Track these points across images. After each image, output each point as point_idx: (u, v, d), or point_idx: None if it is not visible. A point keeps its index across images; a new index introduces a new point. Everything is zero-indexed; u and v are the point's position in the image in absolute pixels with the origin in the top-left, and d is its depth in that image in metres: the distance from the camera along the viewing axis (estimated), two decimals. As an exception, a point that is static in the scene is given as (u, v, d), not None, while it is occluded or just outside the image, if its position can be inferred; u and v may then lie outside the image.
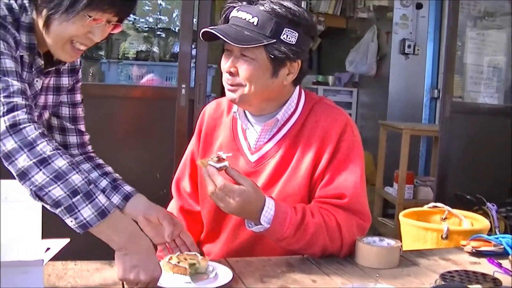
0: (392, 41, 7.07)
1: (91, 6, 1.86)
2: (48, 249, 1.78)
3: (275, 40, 2.14)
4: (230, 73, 2.20)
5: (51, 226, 1.76)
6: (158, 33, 6.94)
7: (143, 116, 4.54)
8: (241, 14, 2.16)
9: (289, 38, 2.16)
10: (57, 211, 1.68)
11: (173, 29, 6.97)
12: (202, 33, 2.21)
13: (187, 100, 4.41)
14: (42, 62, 2.06)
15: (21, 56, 1.96)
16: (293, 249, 2.16)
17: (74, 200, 1.66)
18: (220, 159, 2.01)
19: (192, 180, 2.50)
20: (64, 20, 1.88)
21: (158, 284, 1.81)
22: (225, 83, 2.25)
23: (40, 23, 1.94)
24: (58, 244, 1.80)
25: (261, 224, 2.04)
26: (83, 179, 1.69)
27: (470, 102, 6.09)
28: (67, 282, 1.84)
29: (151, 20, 7.04)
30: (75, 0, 1.84)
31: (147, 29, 6.97)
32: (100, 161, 2.34)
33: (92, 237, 1.73)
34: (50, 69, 2.13)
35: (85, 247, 1.79)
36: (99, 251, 1.83)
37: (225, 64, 2.22)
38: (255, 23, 2.13)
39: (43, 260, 1.63)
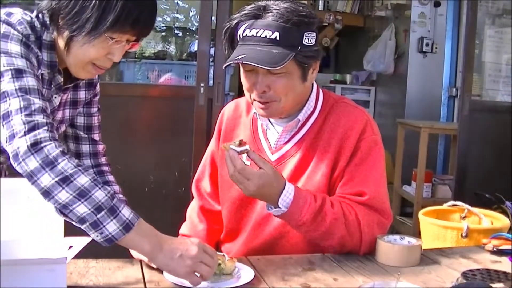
0: (410, 39, 7.04)
1: (114, 28, 1.88)
2: (70, 247, 1.79)
3: (300, 48, 2.12)
4: (263, 92, 2.18)
5: (73, 224, 1.77)
6: (175, 32, 6.95)
7: (161, 115, 4.55)
8: (259, 32, 2.11)
9: (310, 40, 2.15)
10: (82, 227, 1.70)
11: (190, 28, 6.98)
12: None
13: (206, 99, 4.42)
14: (62, 79, 2.07)
15: (42, 74, 1.97)
16: (311, 238, 2.18)
17: (98, 216, 1.67)
18: (241, 143, 2.04)
19: (212, 180, 2.51)
20: (86, 42, 1.89)
21: (176, 282, 1.82)
22: (254, 100, 2.22)
23: (61, 43, 1.95)
24: (81, 242, 1.81)
25: (279, 207, 2.07)
26: (106, 195, 1.70)
27: (489, 100, 6.08)
28: (89, 280, 1.85)
29: (168, 19, 7.05)
30: (98, 22, 1.86)
31: (164, 28, 6.98)
32: (110, 177, 2.34)
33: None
34: (68, 86, 2.15)
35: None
36: (121, 250, 1.84)
37: (254, 84, 2.18)
38: (277, 38, 2.09)
39: (66, 257, 1.64)
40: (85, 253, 1.85)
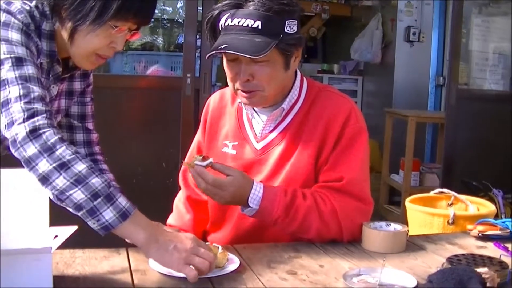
0: (397, 29, 7.06)
1: (117, 16, 1.88)
2: (56, 236, 1.79)
3: (282, 36, 2.13)
4: (246, 81, 2.19)
5: (59, 214, 1.76)
6: (163, 23, 6.93)
7: (149, 106, 4.55)
8: (240, 22, 2.12)
9: (292, 28, 2.16)
10: (79, 214, 1.69)
11: (178, 20, 6.96)
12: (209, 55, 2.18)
13: (193, 90, 4.43)
14: (61, 69, 2.07)
15: (41, 63, 1.97)
16: (288, 233, 2.19)
17: (95, 203, 1.67)
18: (204, 157, 2.07)
19: (199, 170, 2.52)
20: (90, 31, 1.90)
21: (161, 271, 1.82)
22: (237, 90, 2.23)
23: (65, 34, 1.95)
24: (66, 231, 1.81)
25: (250, 206, 2.10)
26: (102, 182, 1.70)
27: (476, 88, 6.10)
28: (75, 270, 1.85)
29: (155, 10, 7.03)
30: (102, 11, 1.86)
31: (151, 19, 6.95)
32: (104, 166, 2.35)
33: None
34: (66, 76, 2.15)
35: (93, 234, 1.79)
36: (107, 239, 1.84)
37: (237, 73, 2.19)
38: (259, 27, 2.10)
39: (51, 247, 1.64)
40: (71, 243, 1.85)
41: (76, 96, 2.28)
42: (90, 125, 2.34)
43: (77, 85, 2.25)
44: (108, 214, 1.68)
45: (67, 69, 2.13)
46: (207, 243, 1.95)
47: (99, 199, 1.67)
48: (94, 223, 1.69)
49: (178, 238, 1.79)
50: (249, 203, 2.09)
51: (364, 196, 2.23)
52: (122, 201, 1.72)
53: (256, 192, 2.09)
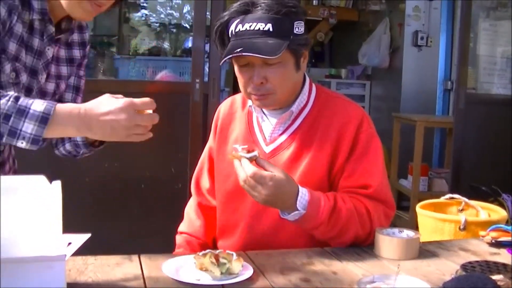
0: (405, 33, 7.04)
1: None
2: (69, 244, 1.79)
3: (292, 36, 2.18)
4: (260, 84, 2.21)
5: (71, 221, 1.76)
6: (170, 28, 6.95)
7: (157, 111, 4.52)
8: (252, 26, 2.16)
9: (300, 29, 2.21)
10: (3, 141, 1.68)
11: (184, 25, 6.98)
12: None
13: (201, 95, 4.43)
14: (53, 29, 2.07)
15: (32, 23, 1.97)
16: (324, 239, 2.18)
17: (10, 123, 1.65)
18: (249, 150, 2.03)
19: (211, 176, 2.53)
20: None
21: (175, 278, 1.81)
22: (251, 93, 2.25)
23: None
24: (79, 239, 1.80)
25: (297, 210, 2.05)
26: (8, 100, 1.67)
27: (484, 93, 6.09)
28: (88, 277, 1.84)
29: (162, 16, 7.05)
30: None
31: (158, 25, 6.97)
32: None
33: (112, 232, 1.73)
34: (60, 36, 2.15)
35: (105, 241, 1.78)
36: (120, 247, 1.83)
37: (250, 78, 2.22)
38: (270, 30, 2.14)
39: (65, 255, 1.64)
40: (83, 250, 1.84)
41: (77, 64, 2.29)
42: (79, 100, 2.32)
43: (77, 53, 2.27)
44: (28, 127, 1.66)
45: (61, 31, 2.14)
46: (219, 250, 1.94)
47: (12, 118, 1.65)
48: (22, 143, 1.66)
49: (111, 116, 1.74)
50: (297, 206, 2.04)
51: (389, 200, 2.29)
52: (37, 106, 1.68)
53: (303, 195, 2.05)
